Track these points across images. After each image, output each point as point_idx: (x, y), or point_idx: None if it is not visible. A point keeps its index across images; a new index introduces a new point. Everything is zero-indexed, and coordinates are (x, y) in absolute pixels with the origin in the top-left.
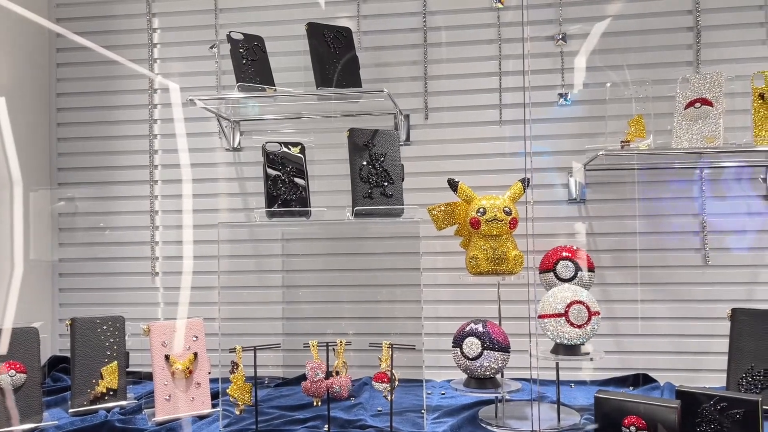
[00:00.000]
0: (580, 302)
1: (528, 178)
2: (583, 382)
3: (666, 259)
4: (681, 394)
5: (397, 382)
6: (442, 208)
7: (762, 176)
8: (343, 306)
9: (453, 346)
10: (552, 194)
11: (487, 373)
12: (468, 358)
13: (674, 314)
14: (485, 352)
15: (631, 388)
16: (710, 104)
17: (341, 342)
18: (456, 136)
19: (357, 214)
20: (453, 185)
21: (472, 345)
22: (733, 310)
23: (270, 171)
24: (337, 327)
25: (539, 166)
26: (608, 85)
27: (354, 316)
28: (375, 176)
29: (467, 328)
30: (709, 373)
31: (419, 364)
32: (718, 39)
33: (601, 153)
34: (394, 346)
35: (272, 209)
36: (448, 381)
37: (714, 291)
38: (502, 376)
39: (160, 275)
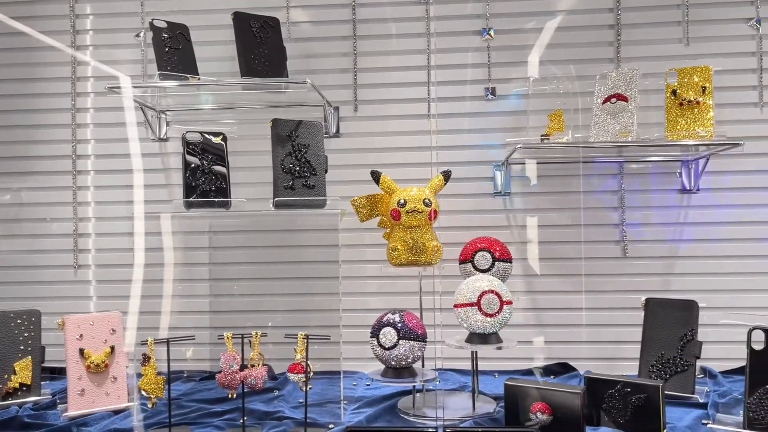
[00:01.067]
0: (493, 292)
1: (448, 171)
2: (507, 371)
3: (587, 251)
4: (588, 381)
5: (312, 373)
6: (365, 200)
7: (678, 171)
8: (267, 299)
9: (370, 337)
10: (478, 187)
11: (403, 362)
12: (384, 348)
13: (594, 305)
14: (401, 341)
15: (552, 377)
16: (625, 100)
17: (257, 334)
18: (385, 128)
19: (277, 205)
20: (375, 177)
21: (388, 335)
22: (647, 300)
23: (189, 160)
24: (259, 320)
25: (466, 159)
26: (531, 79)
27: (277, 309)
28: (297, 167)
29: (384, 319)
30: (625, 361)
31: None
32: (638, 37)
33: (519, 146)
34: (309, 337)
35: (190, 200)
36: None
37: (632, 282)
38: (423, 365)
39: (87, 268)
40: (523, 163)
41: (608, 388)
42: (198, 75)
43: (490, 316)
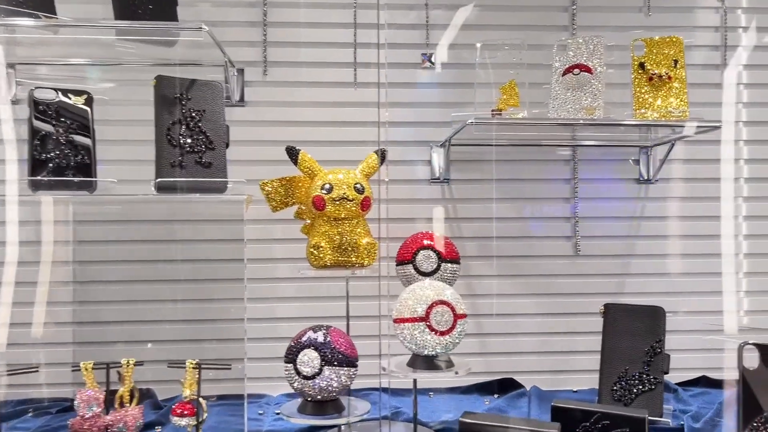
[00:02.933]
0: (444, 303)
1: (384, 150)
2: (444, 390)
3: (535, 248)
4: (557, 411)
5: (206, 414)
6: (278, 184)
7: (634, 158)
8: (148, 309)
9: (285, 362)
10: (412, 172)
11: (327, 394)
12: (304, 377)
13: (542, 309)
14: (325, 368)
15: (496, 396)
16: (590, 71)
17: (128, 362)
18: (302, 97)
19: (161, 188)
20: (292, 154)
21: (309, 360)
22: (606, 306)
23: (38, 126)
24: (136, 335)
25: (399, 138)
26: (478, 45)
27: (162, 320)
28: (189, 139)
29: (304, 338)
30: (577, 374)
31: (251, 376)
32: (595, 2)
33: (470, 122)
34: (202, 366)
35: (37, 178)
36: (287, 395)
37: (584, 283)
38: (349, 393)
39: None
40: (466, 144)
41: (582, 420)
42: (55, 14)
43: (442, 334)
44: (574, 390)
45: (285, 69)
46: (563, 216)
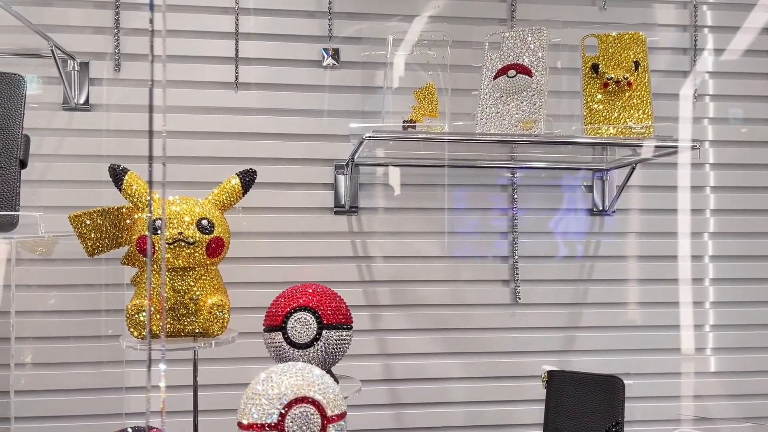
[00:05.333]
0: (310, 401)
1: (252, 171)
2: None
3: (464, 296)
4: None
5: None
6: (93, 217)
7: (586, 183)
8: None
9: None
10: (310, 199)
11: None
12: None
13: (473, 372)
14: None
15: None
16: (529, 73)
17: None
18: (167, 101)
19: None
20: (116, 174)
21: None
22: (550, 373)
23: None
24: None
25: (296, 155)
26: (390, 38)
27: None
28: None
29: None
30: None
31: None
32: None
33: (366, 136)
34: None
35: None
36: None
37: (525, 339)
38: None
39: None
40: (378, 165)
41: None
42: None
43: None
44: None
45: (144, 63)
46: (499, 255)
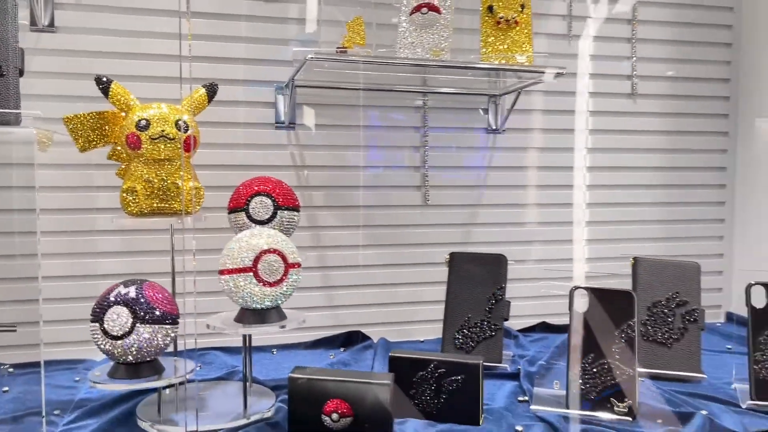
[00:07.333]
0: (275, 251)
1: (215, 85)
2: (289, 346)
3: (383, 198)
4: (394, 361)
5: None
6: (86, 118)
7: (483, 107)
8: None
9: (91, 321)
10: (254, 115)
11: (141, 356)
12: (112, 337)
13: (390, 260)
14: (138, 326)
15: (342, 349)
16: (438, 11)
17: None
18: (123, 25)
19: None
20: (103, 85)
21: (117, 318)
22: (452, 255)
23: None
24: None
25: (240, 77)
26: None
27: None
28: None
29: (112, 295)
30: (424, 324)
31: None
32: None
33: (309, 57)
34: None
35: None
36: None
37: (433, 233)
38: (176, 351)
39: None
40: (313, 86)
41: (418, 369)
42: None
43: (271, 285)
44: (421, 340)
45: None
46: (413, 165)
